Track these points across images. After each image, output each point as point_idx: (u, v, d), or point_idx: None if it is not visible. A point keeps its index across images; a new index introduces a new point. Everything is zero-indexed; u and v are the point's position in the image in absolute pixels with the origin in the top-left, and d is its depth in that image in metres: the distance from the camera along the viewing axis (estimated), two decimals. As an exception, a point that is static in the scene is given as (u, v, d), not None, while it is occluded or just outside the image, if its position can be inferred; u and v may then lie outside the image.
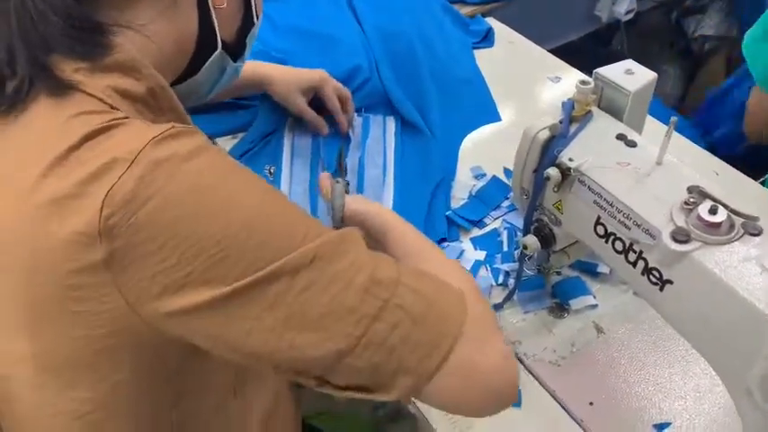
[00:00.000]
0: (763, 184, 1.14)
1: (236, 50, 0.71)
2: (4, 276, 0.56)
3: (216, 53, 0.68)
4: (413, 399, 0.78)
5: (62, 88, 0.54)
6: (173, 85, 0.66)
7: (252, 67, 1.13)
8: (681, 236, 0.61)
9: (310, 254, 0.52)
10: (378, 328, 0.53)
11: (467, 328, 0.56)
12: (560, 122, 0.75)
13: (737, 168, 1.11)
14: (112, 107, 0.54)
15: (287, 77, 1.12)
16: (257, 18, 0.72)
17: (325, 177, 0.83)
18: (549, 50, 1.43)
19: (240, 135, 1.15)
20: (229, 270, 0.51)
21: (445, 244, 0.98)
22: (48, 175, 0.51)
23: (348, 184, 0.88)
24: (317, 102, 1.14)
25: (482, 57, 1.38)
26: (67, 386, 0.58)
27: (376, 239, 0.71)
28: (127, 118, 0.54)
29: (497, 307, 0.89)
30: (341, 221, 0.76)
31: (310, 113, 1.13)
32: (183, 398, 0.64)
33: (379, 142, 1.15)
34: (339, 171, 1.05)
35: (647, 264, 0.65)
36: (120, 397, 0.59)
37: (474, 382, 0.56)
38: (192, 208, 0.51)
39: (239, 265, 0.51)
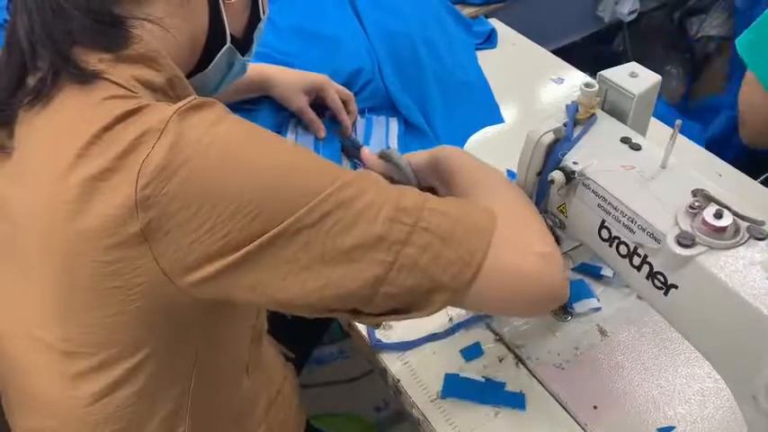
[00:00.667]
0: (764, 183, 1.13)
1: (243, 45, 0.73)
2: (40, 264, 0.57)
3: (225, 47, 0.69)
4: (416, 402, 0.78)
5: (87, 77, 0.56)
6: None
7: (254, 69, 1.14)
8: (686, 240, 0.61)
9: (334, 196, 0.55)
10: (408, 253, 0.55)
11: (497, 239, 0.58)
12: (564, 125, 0.75)
13: (735, 166, 1.11)
14: (136, 94, 0.57)
15: (288, 77, 1.13)
16: (263, 14, 0.74)
17: (368, 153, 0.82)
18: (551, 51, 1.43)
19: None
20: (263, 225, 0.53)
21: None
22: (83, 155, 0.53)
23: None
24: (319, 107, 1.14)
25: (485, 58, 1.38)
26: (92, 370, 0.60)
27: (442, 177, 0.73)
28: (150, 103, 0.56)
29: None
30: (415, 177, 0.76)
31: (310, 114, 1.13)
32: (202, 367, 0.65)
33: (381, 144, 1.15)
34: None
35: (651, 268, 0.65)
36: (143, 374, 0.60)
37: (510, 287, 0.59)
38: (222, 171, 0.53)
39: (271, 218, 0.53)
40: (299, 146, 0.60)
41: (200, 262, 0.53)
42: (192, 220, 0.52)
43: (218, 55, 0.69)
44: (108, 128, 0.53)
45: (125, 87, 0.56)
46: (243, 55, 0.74)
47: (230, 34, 0.69)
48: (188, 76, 0.68)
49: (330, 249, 0.54)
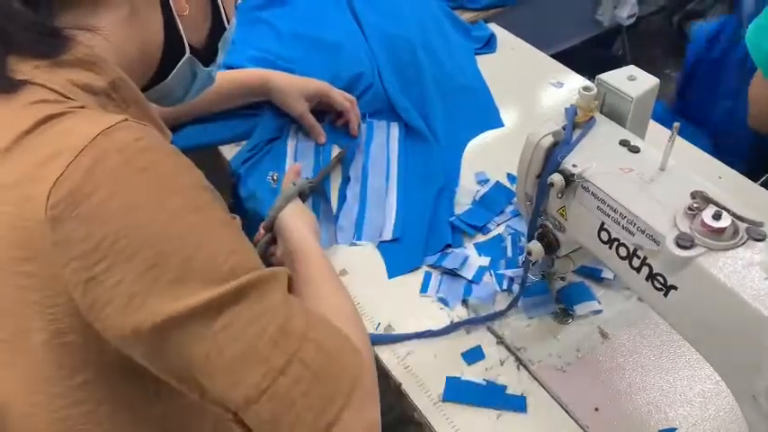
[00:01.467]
0: (764, 184, 1.13)
1: (206, 55, 0.73)
2: None
3: (184, 58, 0.69)
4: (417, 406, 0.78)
5: (14, 86, 0.55)
6: (145, 89, 0.67)
7: (255, 74, 1.14)
8: (685, 241, 0.61)
9: (236, 291, 0.53)
10: (282, 383, 0.54)
11: (357, 391, 0.57)
12: (563, 128, 0.75)
13: (740, 164, 1.11)
14: (69, 98, 0.55)
15: (290, 83, 1.13)
16: (228, 23, 0.73)
17: (291, 171, 0.91)
18: (550, 55, 1.43)
19: (243, 143, 1.15)
20: (155, 292, 0.51)
21: (449, 250, 0.98)
22: (2, 160, 0.52)
23: (310, 187, 0.97)
24: (318, 113, 1.15)
25: (484, 62, 1.38)
26: (41, 380, 0.57)
27: (290, 259, 0.76)
28: (83, 107, 0.54)
29: (501, 314, 0.89)
30: (272, 221, 0.86)
31: (310, 119, 1.13)
32: (163, 396, 0.63)
33: (382, 148, 1.15)
34: (322, 174, 1.06)
35: (651, 269, 0.65)
36: (93, 397, 0.58)
37: None
38: (131, 214, 0.51)
39: (167, 285, 0.51)
40: (224, 214, 0.57)
41: (92, 308, 0.51)
42: (93, 255, 0.50)
43: (178, 66, 0.69)
44: (29, 131, 0.52)
45: (58, 92, 0.55)
46: (207, 65, 0.73)
47: (190, 45, 0.69)
48: (148, 87, 0.68)
49: (212, 353, 0.53)
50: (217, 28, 0.73)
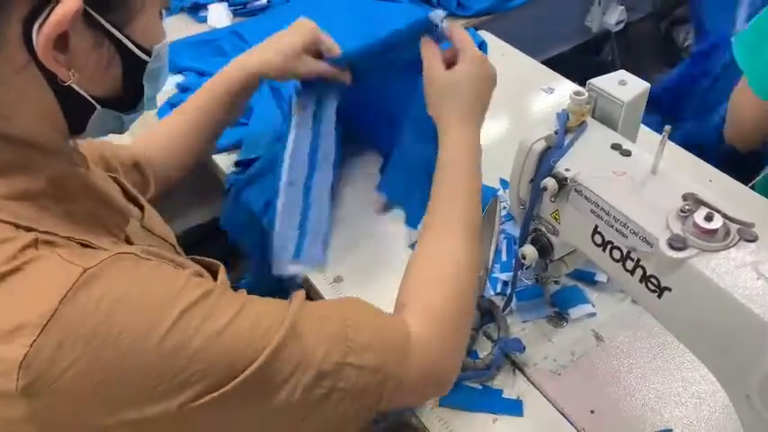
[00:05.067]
0: (752, 187, 1.15)
1: (127, 99, 0.62)
2: None
3: (95, 114, 0.60)
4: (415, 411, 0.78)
5: None
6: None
7: (226, 72, 0.97)
8: (677, 243, 0.62)
9: (261, 367, 0.55)
10: (321, 411, 0.59)
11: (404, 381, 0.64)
12: (555, 133, 0.76)
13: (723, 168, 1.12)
14: (5, 222, 0.52)
15: (271, 59, 0.94)
16: (150, 55, 0.60)
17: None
18: (540, 62, 1.44)
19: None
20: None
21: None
22: None
23: None
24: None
25: (475, 69, 1.39)
26: None
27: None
28: (33, 247, 0.51)
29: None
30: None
31: (323, 67, 0.96)
32: None
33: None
34: None
35: (644, 271, 0.66)
36: None
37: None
38: (112, 374, 0.50)
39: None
40: (227, 300, 0.57)
41: None
42: (78, 415, 0.49)
43: (90, 121, 0.60)
44: None
45: None
46: (133, 106, 0.63)
47: (99, 98, 0.59)
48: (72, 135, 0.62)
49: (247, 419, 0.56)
50: (133, 67, 0.60)
